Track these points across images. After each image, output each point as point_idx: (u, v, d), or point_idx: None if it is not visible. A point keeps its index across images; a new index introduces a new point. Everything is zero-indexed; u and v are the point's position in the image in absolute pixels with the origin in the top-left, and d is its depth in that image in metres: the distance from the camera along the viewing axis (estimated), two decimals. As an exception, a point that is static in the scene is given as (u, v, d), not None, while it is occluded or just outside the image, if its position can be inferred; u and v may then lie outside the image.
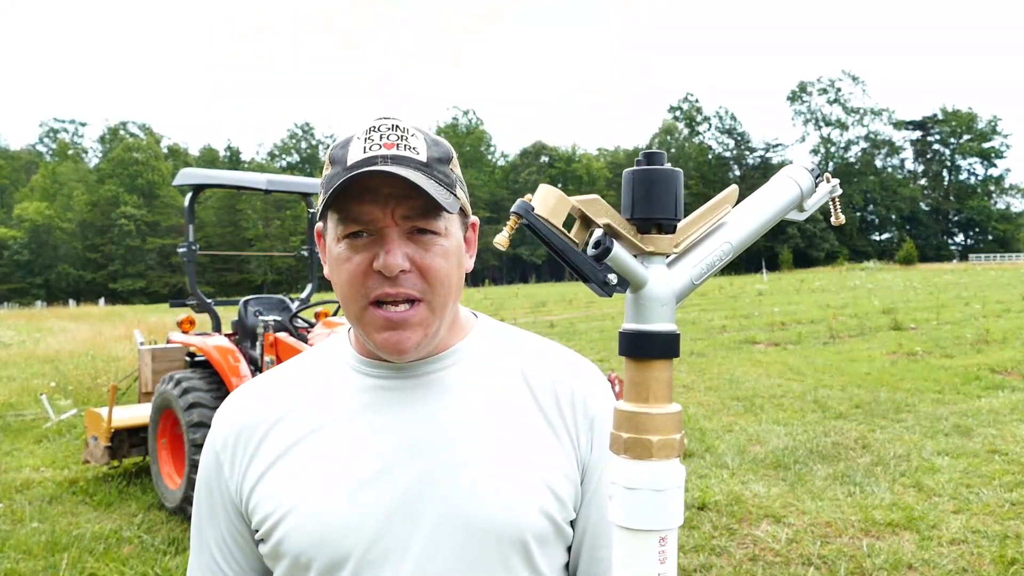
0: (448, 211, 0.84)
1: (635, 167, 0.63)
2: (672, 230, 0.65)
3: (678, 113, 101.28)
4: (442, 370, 0.94)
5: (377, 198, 0.83)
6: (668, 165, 0.63)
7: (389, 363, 0.93)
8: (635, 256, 0.63)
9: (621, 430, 0.63)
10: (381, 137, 0.86)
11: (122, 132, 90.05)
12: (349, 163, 0.85)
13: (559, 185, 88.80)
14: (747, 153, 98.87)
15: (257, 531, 0.93)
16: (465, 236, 0.95)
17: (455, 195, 0.88)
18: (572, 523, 0.94)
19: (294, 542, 0.88)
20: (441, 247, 0.87)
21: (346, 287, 0.87)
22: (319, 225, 0.94)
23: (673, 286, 0.65)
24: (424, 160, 0.86)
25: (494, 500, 0.87)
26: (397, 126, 0.88)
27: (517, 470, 0.89)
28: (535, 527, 0.88)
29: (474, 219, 0.98)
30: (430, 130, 0.92)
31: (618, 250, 0.62)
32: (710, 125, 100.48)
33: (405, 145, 0.86)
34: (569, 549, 0.95)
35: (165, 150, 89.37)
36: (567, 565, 0.96)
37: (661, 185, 0.62)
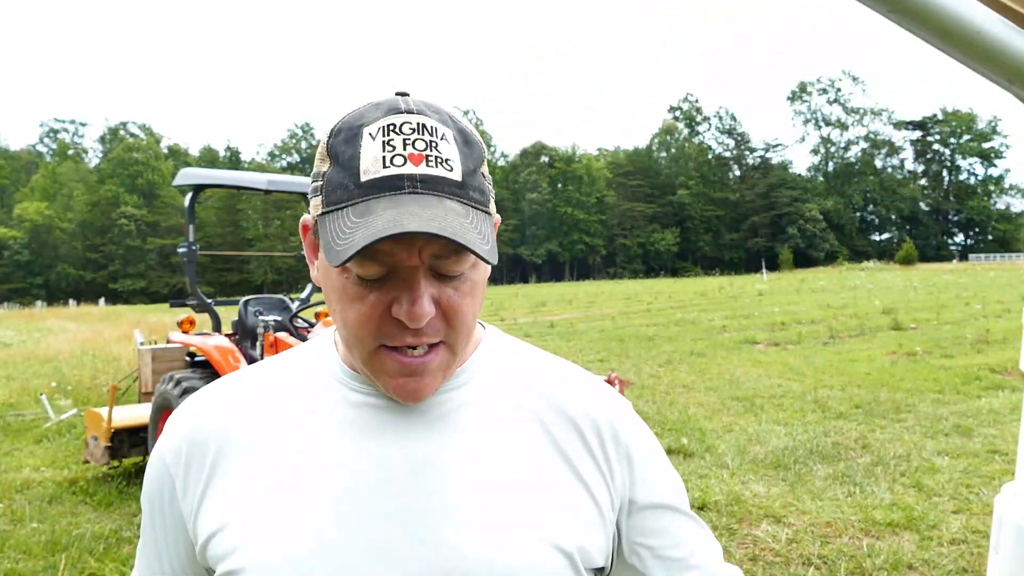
0: (485, 259, 0.67)
1: None
2: None
3: (678, 113, 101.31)
4: (448, 391, 0.80)
5: (402, 236, 0.64)
6: None
7: None
8: None
9: None
10: (405, 144, 0.68)
11: (122, 132, 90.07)
12: (365, 177, 0.67)
13: (559, 185, 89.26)
14: (747, 153, 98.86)
15: (209, 569, 0.78)
16: None
17: (490, 212, 0.73)
18: (600, 571, 0.82)
19: None
20: (470, 283, 0.73)
21: (355, 328, 0.71)
22: (307, 220, 0.76)
23: None
24: (459, 179, 0.69)
25: (491, 550, 0.73)
26: (424, 126, 0.69)
27: (524, 515, 0.75)
28: None
29: (496, 217, 0.78)
30: (446, 110, 0.74)
31: None
32: (710, 125, 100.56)
33: (436, 157, 0.68)
34: None
35: (165, 150, 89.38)
36: None
37: None
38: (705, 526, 0.88)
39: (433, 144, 0.68)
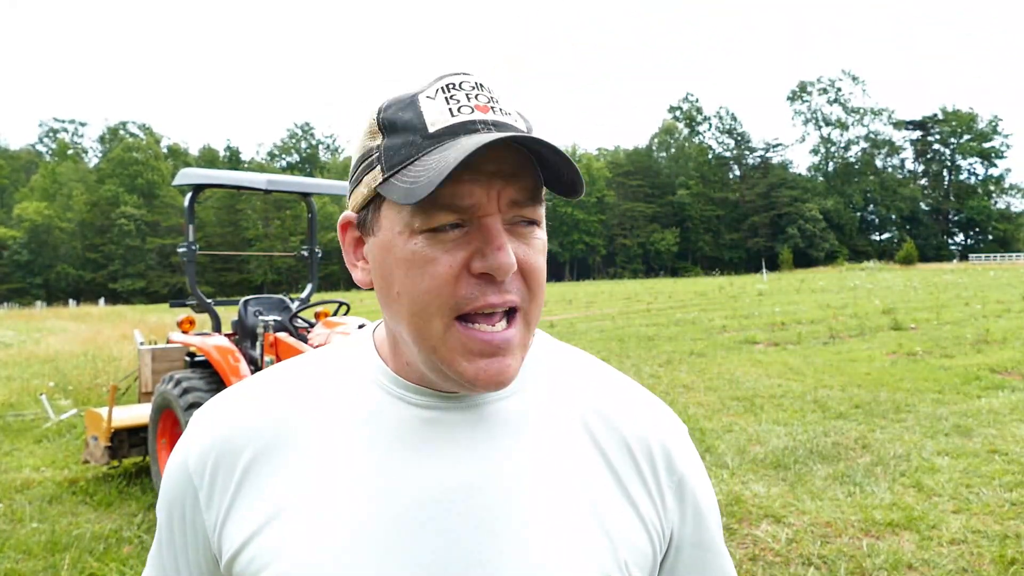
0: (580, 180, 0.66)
1: None
2: None
3: (678, 113, 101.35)
4: (500, 400, 0.73)
5: (479, 177, 0.62)
6: None
7: (435, 389, 0.72)
8: None
9: None
10: (468, 98, 0.65)
11: (122, 132, 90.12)
12: (434, 128, 0.63)
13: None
14: (747, 153, 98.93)
15: None
16: None
17: None
18: None
19: None
20: (540, 241, 0.68)
21: (427, 297, 0.64)
22: (348, 215, 0.72)
23: None
24: (526, 130, 0.67)
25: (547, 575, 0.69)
26: (482, 84, 0.67)
27: (584, 541, 0.70)
28: None
29: None
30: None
31: None
32: (710, 125, 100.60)
33: (501, 109, 0.66)
34: None
35: (165, 150, 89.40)
36: None
37: None
38: (731, 562, 0.85)
39: (495, 99, 0.67)
